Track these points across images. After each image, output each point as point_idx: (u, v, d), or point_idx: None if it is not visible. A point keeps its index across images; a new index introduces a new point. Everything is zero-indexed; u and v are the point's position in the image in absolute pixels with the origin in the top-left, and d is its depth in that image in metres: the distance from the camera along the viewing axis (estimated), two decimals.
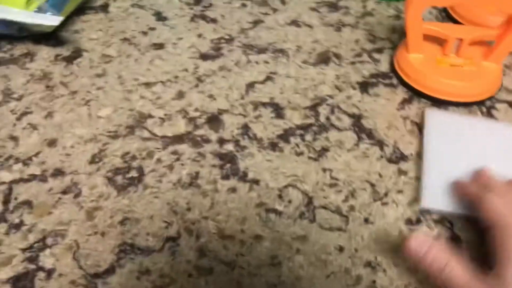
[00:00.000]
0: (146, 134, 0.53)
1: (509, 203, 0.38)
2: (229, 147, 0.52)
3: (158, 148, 0.51)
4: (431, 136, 0.49)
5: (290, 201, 0.46)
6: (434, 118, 0.52)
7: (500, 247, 0.36)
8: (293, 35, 0.67)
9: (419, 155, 0.50)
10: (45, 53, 0.63)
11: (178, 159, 0.50)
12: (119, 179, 0.48)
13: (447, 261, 0.37)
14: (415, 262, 0.39)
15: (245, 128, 0.53)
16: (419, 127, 0.53)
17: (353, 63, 0.62)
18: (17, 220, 0.45)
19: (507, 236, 0.36)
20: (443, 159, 0.47)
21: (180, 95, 0.58)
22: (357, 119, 0.54)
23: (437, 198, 0.44)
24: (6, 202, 0.47)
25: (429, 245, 0.38)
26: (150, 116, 0.55)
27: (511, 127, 0.51)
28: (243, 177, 0.49)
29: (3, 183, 0.49)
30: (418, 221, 0.45)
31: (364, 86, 0.59)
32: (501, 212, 0.37)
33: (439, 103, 0.56)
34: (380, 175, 0.49)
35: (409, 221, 0.45)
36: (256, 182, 0.48)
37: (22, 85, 0.59)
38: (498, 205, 0.38)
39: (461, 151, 0.48)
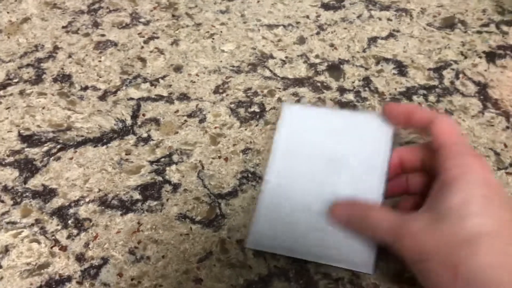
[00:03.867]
0: (267, 73, 0.53)
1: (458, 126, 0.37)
2: (350, 96, 0.51)
3: (278, 88, 0.52)
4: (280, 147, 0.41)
5: None
6: (290, 115, 0.43)
7: (441, 168, 0.32)
8: None
9: None
10: None
11: (298, 101, 0.51)
12: (241, 111, 0.49)
13: (365, 210, 0.34)
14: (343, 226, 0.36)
15: (367, 80, 0.53)
16: None
17: (479, 32, 0.60)
18: (145, 135, 0.47)
19: (454, 155, 0.32)
20: (286, 180, 0.39)
21: (301, 40, 0.58)
22: (482, 87, 0.53)
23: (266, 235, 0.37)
24: (134, 116, 0.49)
25: (348, 206, 0.36)
26: (272, 56, 0.55)
27: (369, 117, 0.41)
28: None
29: (132, 99, 0.50)
30: None
31: (491, 56, 0.56)
32: (456, 132, 0.34)
33: None
34: (506, 145, 0.47)
35: None
36: None
37: (149, 11, 0.60)
38: (453, 125, 0.35)
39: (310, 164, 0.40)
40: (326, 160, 0.39)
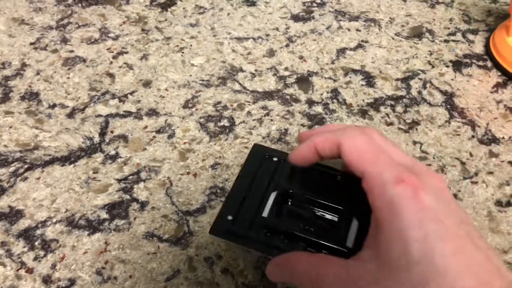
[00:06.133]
0: (237, 86, 0.54)
1: (373, 140, 0.29)
2: (318, 109, 0.52)
3: (248, 102, 0.52)
4: None
5: None
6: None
7: (371, 205, 0.28)
8: (385, 7, 0.66)
9: None
10: None
11: (267, 114, 0.51)
12: (211, 125, 0.50)
13: (310, 265, 0.29)
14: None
15: (335, 92, 0.54)
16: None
17: (446, 41, 0.61)
18: (113, 152, 0.47)
19: (377, 190, 0.27)
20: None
21: (271, 53, 0.58)
22: (449, 96, 0.54)
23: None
24: (102, 134, 0.49)
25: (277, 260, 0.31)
26: (241, 70, 0.56)
27: None
28: None
29: (100, 115, 0.50)
30: (508, 204, 0.44)
31: (458, 65, 0.57)
32: (368, 151, 0.29)
33: None
34: (471, 154, 0.48)
35: (499, 203, 0.44)
36: None
37: (119, 26, 0.60)
38: (362, 141, 0.29)
39: None
40: None
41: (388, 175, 0.27)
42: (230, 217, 0.36)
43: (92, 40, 0.58)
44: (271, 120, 0.50)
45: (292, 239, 0.34)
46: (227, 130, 0.49)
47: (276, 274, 0.31)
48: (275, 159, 0.40)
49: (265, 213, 0.36)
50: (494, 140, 0.49)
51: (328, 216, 0.36)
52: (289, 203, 0.37)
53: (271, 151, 0.41)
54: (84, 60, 0.56)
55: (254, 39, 0.59)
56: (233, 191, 0.38)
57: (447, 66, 0.57)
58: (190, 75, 0.54)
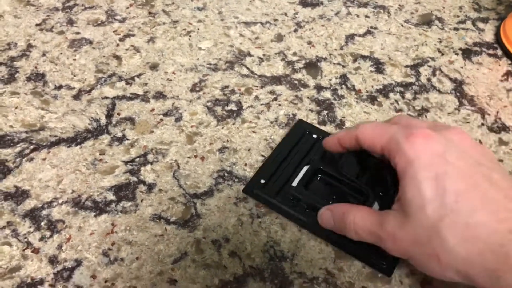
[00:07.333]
0: (245, 71, 0.53)
1: (383, 123, 0.33)
2: (327, 94, 0.51)
3: (256, 86, 0.52)
4: None
5: None
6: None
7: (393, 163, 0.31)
8: None
9: None
10: None
11: (275, 99, 0.50)
12: (218, 109, 0.49)
13: (345, 213, 0.33)
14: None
15: (344, 78, 0.53)
16: None
17: (456, 29, 0.60)
18: (119, 134, 0.47)
19: (393, 151, 0.30)
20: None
21: (279, 38, 0.57)
22: (458, 84, 0.53)
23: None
24: (109, 116, 0.48)
25: (330, 208, 0.35)
26: (249, 54, 0.55)
27: None
28: (340, 125, 0.48)
29: (106, 97, 0.50)
30: None
31: (467, 53, 0.57)
32: (378, 132, 0.32)
33: None
34: (481, 142, 0.48)
35: None
36: None
37: (125, 8, 0.60)
38: (372, 126, 0.33)
39: None
40: None
41: (400, 134, 0.30)
42: (262, 181, 0.41)
43: (99, 22, 0.58)
44: (279, 105, 0.50)
45: (314, 210, 0.38)
46: (235, 114, 0.49)
47: (329, 223, 0.36)
48: (314, 136, 0.44)
49: (294, 183, 0.40)
50: (504, 128, 0.49)
51: (352, 197, 0.39)
52: (318, 178, 0.40)
53: (312, 128, 0.45)
54: (91, 42, 0.55)
55: (262, 23, 0.59)
56: (270, 158, 0.43)
57: (457, 54, 0.57)
58: (198, 59, 0.54)
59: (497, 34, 0.59)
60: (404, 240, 0.30)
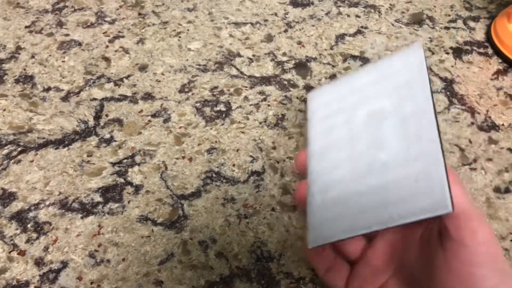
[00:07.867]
0: (234, 71, 0.53)
1: None
2: None
3: (245, 86, 0.51)
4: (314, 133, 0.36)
5: None
6: (316, 102, 0.37)
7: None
8: None
9: None
10: None
11: (264, 100, 0.50)
12: (207, 110, 0.49)
13: None
14: None
15: (333, 78, 0.53)
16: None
17: (447, 28, 0.60)
18: (107, 136, 0.46)
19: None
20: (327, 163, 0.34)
21: (269, 38, 0.57)
22: (449, 83, 0.53)
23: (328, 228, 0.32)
24: (97, 117, 0.48)
25: None
26: (239, 55, 0.55)
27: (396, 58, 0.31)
28: None
29: (95, 99, 0.50)
30: (507, 190, 0.44)
31: (458, 52, 0.57)
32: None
33: None
34: (470, 141, 0.47)
35: (497, 189, 0.44)
36: None
37: (115, 10, 0.60)
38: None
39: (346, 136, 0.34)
40: (364, 119, 0.32)
41: None
42: None
43: (88, 24, 0.57)
44: (268, 105, 0.50)
45: None
46: (224, 115, 0.48)
47: None
48: None
49: None
50: (494, 126, 0.49)
51: None
52: None
53: None
54: (80, 44, 0.55)
55: (252, 24, 0.59)
56: None
57: (447, 53, 0.56)
58: (187, 60, 0.54)
59: (488, 33, 0.59)
60: None
